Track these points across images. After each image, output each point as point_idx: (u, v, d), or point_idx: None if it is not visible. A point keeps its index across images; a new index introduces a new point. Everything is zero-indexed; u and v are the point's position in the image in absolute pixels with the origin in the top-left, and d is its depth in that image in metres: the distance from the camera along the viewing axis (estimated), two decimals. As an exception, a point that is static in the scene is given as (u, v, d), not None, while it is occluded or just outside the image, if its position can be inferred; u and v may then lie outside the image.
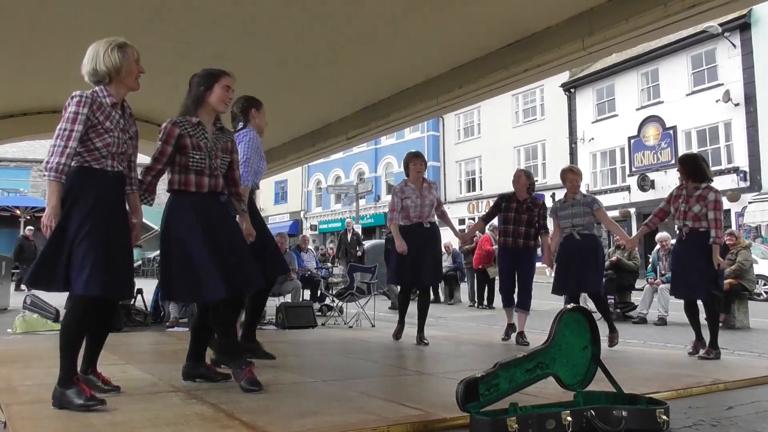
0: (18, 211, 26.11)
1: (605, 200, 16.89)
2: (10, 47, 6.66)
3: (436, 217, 5.84)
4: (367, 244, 15.35)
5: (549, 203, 22.67)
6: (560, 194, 22.08)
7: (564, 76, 24.11)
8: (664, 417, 2.56)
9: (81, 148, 2.76)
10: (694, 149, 20.68)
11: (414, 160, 5.80)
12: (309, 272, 8.71)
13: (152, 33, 5.93)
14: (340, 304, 8.41)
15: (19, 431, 2.27)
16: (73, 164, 2.74)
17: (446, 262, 11.82)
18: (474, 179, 28.73)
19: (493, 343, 6.00)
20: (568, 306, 2.97)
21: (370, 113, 9.02)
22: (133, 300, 7.59)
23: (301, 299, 9.17)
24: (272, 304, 8.03)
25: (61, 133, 2.68)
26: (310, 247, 13.37)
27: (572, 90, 24.84)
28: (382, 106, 8.73)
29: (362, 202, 30.42)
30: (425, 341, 5.48)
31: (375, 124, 9.09)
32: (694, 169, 5.03)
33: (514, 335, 5.88)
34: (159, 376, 3.65)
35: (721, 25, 18.82)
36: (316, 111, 9.65)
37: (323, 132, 10.30)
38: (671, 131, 21.62)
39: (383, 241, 19.87)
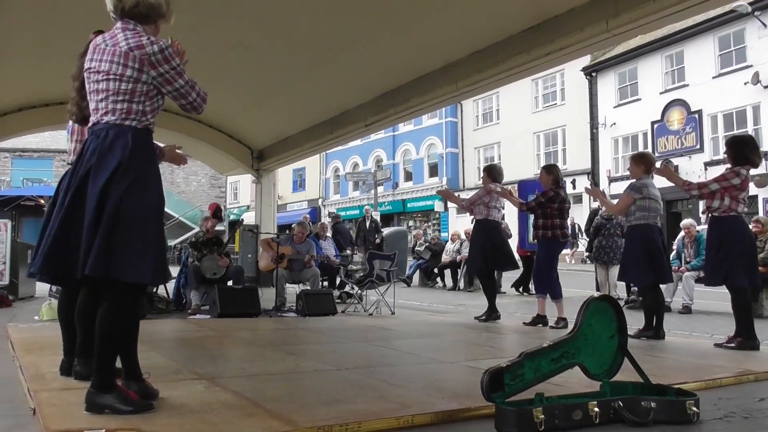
0: (42, 201, 26.47)
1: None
2: (31, 38, 6.71)
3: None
4: (385, 231, 15.34)
5: (569, 189, 22.44)
6: (581, 180, 21.79)
7: (585, 60, 23.72)
8: (695, 408, 2.51)
9: (148, 105, 2.55)
10: (720, 133, 20.26)
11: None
12: (327, 259, 8.70)
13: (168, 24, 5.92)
14: (360, 291, 8.41)
15: (47, 418, 2.29)
16: (134, 123, 2.50)
17: (465, 249, 11.74)
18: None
19: (517, 330, 5.98)
20: (595, 294, 2.93)
21: (388, 99, 8.96)
22: (155, 287, 7.67)
23: (321, 287, 9.21)
24: (292, 291, 8.08)
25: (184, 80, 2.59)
26: (329, 234, 13.41)
27: (593, 74, 24.45)
28: (400, 92, 8.67)
29: (380, 189, 30.41)
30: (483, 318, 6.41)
31: (393, 110, 9.03)
32: (734, 152, 4.87)
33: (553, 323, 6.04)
34: (182, 363, 3.68)
35: (751, 3, 18.31)
36: (334, 98, 9.63)
37: (341, 119, 10.27)
38: (696, 115, 21.19)
39: (402, 228, 19.91)
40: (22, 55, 7.13)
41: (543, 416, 2.35)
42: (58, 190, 2.94)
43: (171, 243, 27.83)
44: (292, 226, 9.03)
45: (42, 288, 8.56)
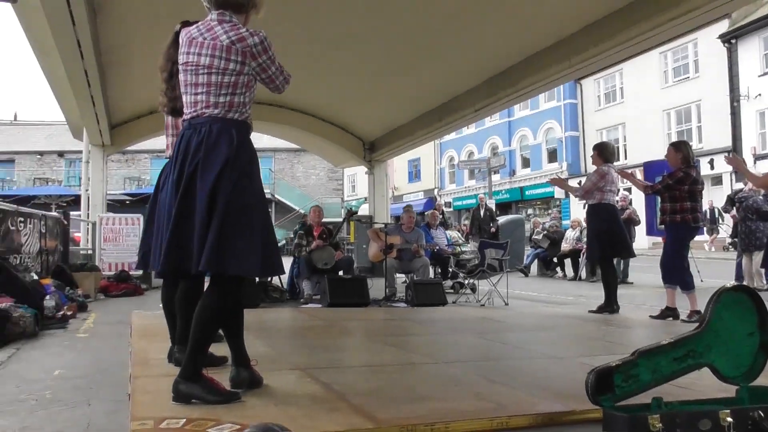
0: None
1: (775, 164, 14.90)
2: (147, 47, 7.12)
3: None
4: (501, 219, 14.89)
5: (706, 170, 20.58)
6: (720, 161, 19.84)
7: (723, 26, 21.55)
8: None
9: (248, 95, 2.55)
10: None
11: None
12: (437, 248, 8.50)
13: (279, 17, 6.02)
14: (473, 281, 8.16)
15: (136, 405, 2.33)
16: (236, 116, 2.51)
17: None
18: (617, 148, 26.80)
19: (643, 324, 5.49)
20: (728, 284, 2.51)
21: (497, 82, 8.62)
22: (270, 277, 7.92)
23: (433, 276, 9.07)
24: (401, 281, 8.01)
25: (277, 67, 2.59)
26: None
27: (733, 41, 22.11)
28: (510, 73, 8.30)
29: (496, 177, 29.72)
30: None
31: (503, 93, 8.67)
32: None
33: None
34: (281, 353, 3.69)
35: None
36: (442, 84, 9.44)
37: (450, 105, 10.06)
38: None
39: (519, 216, 19.27)
40: (142, 62, 7.61)
41: (661, 425, 2.03)
42: (159, 185, 3.00)
43: (291, 235, 29.02)
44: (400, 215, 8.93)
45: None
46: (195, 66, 2.51)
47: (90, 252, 9.89)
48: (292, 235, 7.90)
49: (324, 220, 8.22)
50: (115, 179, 31.28)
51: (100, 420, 2.32)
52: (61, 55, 6.76)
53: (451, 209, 33.44)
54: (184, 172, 2.48)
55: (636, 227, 11.10)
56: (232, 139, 2.44)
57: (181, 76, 2.60)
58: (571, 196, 26.35)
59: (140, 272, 8.78)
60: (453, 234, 11.76)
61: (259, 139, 33.04)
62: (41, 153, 35.65)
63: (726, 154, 6.96)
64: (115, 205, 18.25)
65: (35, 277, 5.70)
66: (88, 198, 11.41)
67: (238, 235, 2.37)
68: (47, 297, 5.15)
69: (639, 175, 7.29)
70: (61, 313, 5.17)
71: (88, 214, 11.14)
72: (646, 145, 23.04)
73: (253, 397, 2.48)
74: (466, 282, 8.15)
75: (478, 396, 2.58)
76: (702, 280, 6.07)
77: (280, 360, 3.41)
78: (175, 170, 2.55)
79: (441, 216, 13.36)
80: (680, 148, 5.84)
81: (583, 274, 11.89)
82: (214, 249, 2.33)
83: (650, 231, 9.93)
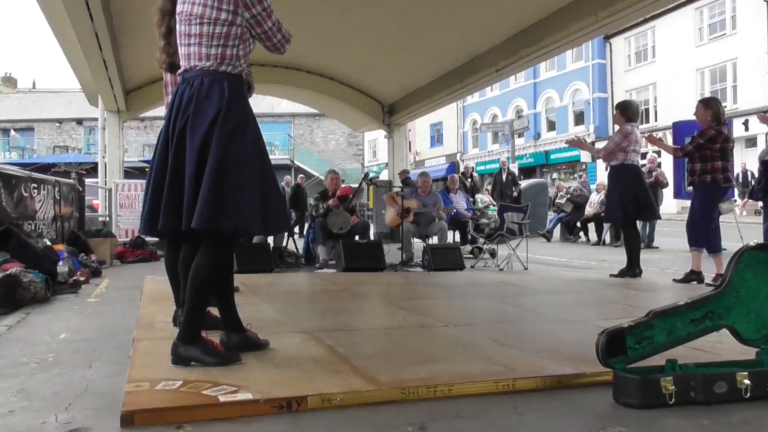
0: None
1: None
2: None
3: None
4: (524, 183, 14.71)
5: (740, 131, 19.99)
6: (754, 121, 19.22)
7: (762, -21, 20.67)
8: None
9: (242, 48, 2.47)
10: None
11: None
12: (455, 211, 8.39)
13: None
14: (492, 246, 8.08)
15: (134, 367, 2.34)
16: (229, 69, 2.43)
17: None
18: (647, 110, 26.15)
19: (666, 288, 5.39)
20: (751, 243, 2.39)
21: (520, 40, 8.40)
22: (285, 242, 7.95)
23: (453, 241, 9.02)
24: (419, 246, 7.96)
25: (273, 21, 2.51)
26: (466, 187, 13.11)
27: (772, -5, 21.25)
28: (533, 30, 8.08)
29: (520, 141, 29.30)
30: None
31: (526, 51, 8.46)
32: None
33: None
34: (290, 316, 3.68)
35: None
36: (462, 43, 9.24)
37: (471, 66, 9.87)
38: None
39: (542, 180, 19.00)
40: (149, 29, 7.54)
41: (674, 387, 1.97)
42: (158, 143, 2.96)
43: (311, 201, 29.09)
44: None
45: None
46: (188, 16, 2.45)
47: (107, 219, 10.00)
48: (312, 202, 7.87)
49: (342, 186, 8.17)
50: (134, 147, 31.58)
51: (99, 382, 2.32)
52: (71, 18, 6.72)
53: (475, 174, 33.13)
54: (176, 127, 2.43)
55: (663, 190, 10.86)
56: (223, 92, 2.39)
57: (177, 27, 2.55)
58: (598, 160, 26.00)
59: (156, 239, 8.87)
60: (485, 198, 11.55)
61: (277, 105, 33.16)
62: (60, 121, 36.05)
63: (760, 113, 6.67)
64: (135, 173, 18.40)
65: (48, 243, 5.76)
66: (105, 165, 11.51)
67: (232, 190, 2.32)
68: (60, 263, 5.21)
69: (668, 138, 7.06)
70: (74, 278, 5.23)
71: (105, 181, 11.25)
72: (678, 106, 22.40)
73: (254, 359, 2.47)
74: (485, 247, 8.07)
75: (486, 359, 2.54)
76: (725, 249, 5.90)
77: (288, 323, 3.41)
78: (168, 127, 2.51)
79: (471, 180, 13.19)
80: (710, 105, 5.62)
81: (607, 238, 11.71)
82: (206, 205, 2.28)
83: (678, 193, 9.71)
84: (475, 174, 14.25)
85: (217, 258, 2.46)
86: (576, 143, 6.63)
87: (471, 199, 11.61)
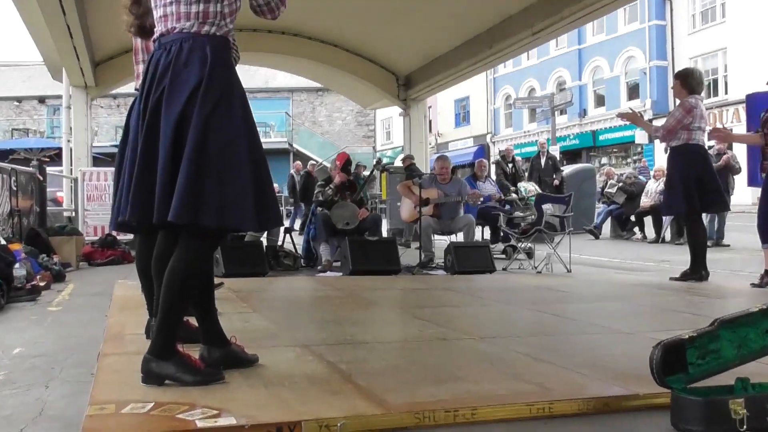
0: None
1: None
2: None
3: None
4: (566, 170, 14.64)
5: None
6: None
7: None
8: None
9: (227, 5, 2.45)
10: None
11: None
12: (482, 199, 8.33)
13: None
14: (528, 244, 8.05)
15: (98, 387, 2.34)
16: (212, 30, 2.42)
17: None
18: (715, 80, 25.89)
19: (739, 293, 5.38)
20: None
21: (560, -4, 8.34)
22: (281, 241, 7.96)
23: (481, 238, 9.00)
24: (441, 245, 7.95)
25: None
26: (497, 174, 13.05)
27: None
28: (576, -17, 8.02)
29: (563, 119, 29.16)
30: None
31: (569, 10, 8.42)
32: None
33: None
34: (284, 327, 3.70)
35: None
36: (491, 1, 9.17)
37: (502, 28, 9.84)
38: None
39: (588, 165, 18.91)
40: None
41: (745, 411, 1.92)
42: (128, 125, 2.96)
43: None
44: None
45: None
46: None
47: (72, 214, 10.09)
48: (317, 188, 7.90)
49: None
50: (105, 129, 31.82)
51: (57, 404, 2.34)
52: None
53: (495, 159, 33.13)
54: (150, 101, 2.42)
55: (735, 177, 10.75)
56: (205, 58, 2.37)
57: None
58: (656, 141, 25.81)
59: (130, 236, 8.92)
60: (529, 187, 11.46)
61: (273, 78, 33.26)
62: (19, 99, 36.43)
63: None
64: (105, 159, 18.53)
65: (3, 242, 5.81)
66: (71, 150, 11.61)
67: (217, 175, 2.30)
68: (17, 265, 5.25)
69: (740, 115, 6.96)
70: (33, 283, 5.28)
71: (71, 169, 11.35)
72: (753, 76, 22.11)
73: (239, 377, 2.46)
74: (520, 245, 8.03)
75: (517, 377, 2.53)
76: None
77: (281, 335, 3.42)
78: (141, 101, 2.50)
79: (512, 165, 13.06)
80: None
81: (668, 235, 11.66)
82: (184, 195, 2.26)
83: (753, 180, 9.56)
84: (517, 158, 14.07)
85: (198, 257, 2.45)
86: (630, 117, 6.55)
87: (513, 188, 11.52)
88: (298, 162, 19.02)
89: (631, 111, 6.74)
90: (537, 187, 11.93)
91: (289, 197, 17.48)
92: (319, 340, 3.28)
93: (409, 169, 11.84)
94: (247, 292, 5.10)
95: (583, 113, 30.33)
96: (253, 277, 6.33)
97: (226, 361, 2.59)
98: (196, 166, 2.29)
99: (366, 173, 11.99)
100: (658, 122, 18.41)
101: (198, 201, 2.28)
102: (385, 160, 19.46)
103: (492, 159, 32.40)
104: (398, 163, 15.80)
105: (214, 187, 2.30)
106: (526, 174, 14.19)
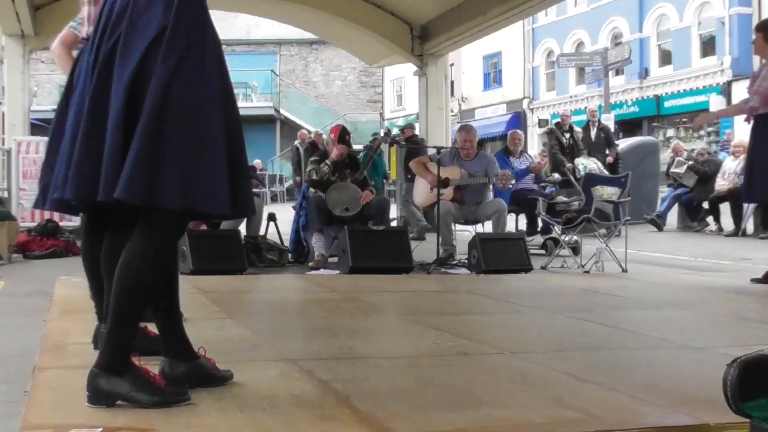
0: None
1: None
2: None
3: None
4: (623, 144, 14.61)
5: None
6: None
7: None
8: None
9: None
10: None
11: None
12: (513, 181, 8.32)
13: None
14: (574, 237, 8.06)
15: (32, 408, 2.35)
16: None
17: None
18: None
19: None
20: None
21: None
22: (263, 231, 7.99)
23: (516, 229, 9.02)
24: (464, 237, 7.98)
25: None
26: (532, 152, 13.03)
27: None
28: None
29: (618, 80, 29.05)
30: None
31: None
32: None
33: None
34: (265, 337, 3.75)
35: None
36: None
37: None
38: None
39: (651, 139, 18.91)
40: None
41: None
42: (71, 82, 2.96)
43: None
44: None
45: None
46: None
47: (4, 194, 10.14)
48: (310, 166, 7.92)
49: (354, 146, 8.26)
50: (47, 89, 31.90)
51: (-20, 429, 2.35)
52: None
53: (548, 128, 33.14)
54: (101, 52, 2.42)
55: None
56: (170, 0, 2.36)
57: None
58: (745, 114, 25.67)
59: (77, 223, 8.96)
60: (591, 165, 11.43)
61: (255, 28, 33.37)
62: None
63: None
64: (46, 127, 18.64)
65: None
66: (3, 115, 11.65)
67: (181, 146, 2.30)
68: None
69: None
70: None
71: (3, 138, 11.40)
72: None
73: (209, 398, 2.49)
74: (564, 238, 8.05)
75: (556, 401, 2.57)
76: None
77: (262, 347, 3.47)
78: (91, 52, 2.50)
79: (570, 135, 12.89)
80: None
81: (750, 226, 11.71)
82: (138, 167, 2.24)
83: None
84: (576, 127, 13.84)
85: (157, 248, 2.46)
86: (706, 119, 6.64)
87: (569, 165, 11.46)
88: (304, 131, 19.09)
89: (705, 114, 6.78)
90: (600, 165, 11.89)
91: (294, 175, 17.56)
92: (310, 353, 3.34)
93: (412, 141, 11.83)
94: (220, 293, 5.16)
95: (645, 74, 30.28)
96: (228, 275, 6.39)
97: (192, 378, 2.61)
98: (154, 131, 2.27)
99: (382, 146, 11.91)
100: (739, 86, 18.23)
101: (155, 175, 2.26)
102: (394, 131, 19.44)
103: (537, 129, 32.23)
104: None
105: (176, 158, 2.29)
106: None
